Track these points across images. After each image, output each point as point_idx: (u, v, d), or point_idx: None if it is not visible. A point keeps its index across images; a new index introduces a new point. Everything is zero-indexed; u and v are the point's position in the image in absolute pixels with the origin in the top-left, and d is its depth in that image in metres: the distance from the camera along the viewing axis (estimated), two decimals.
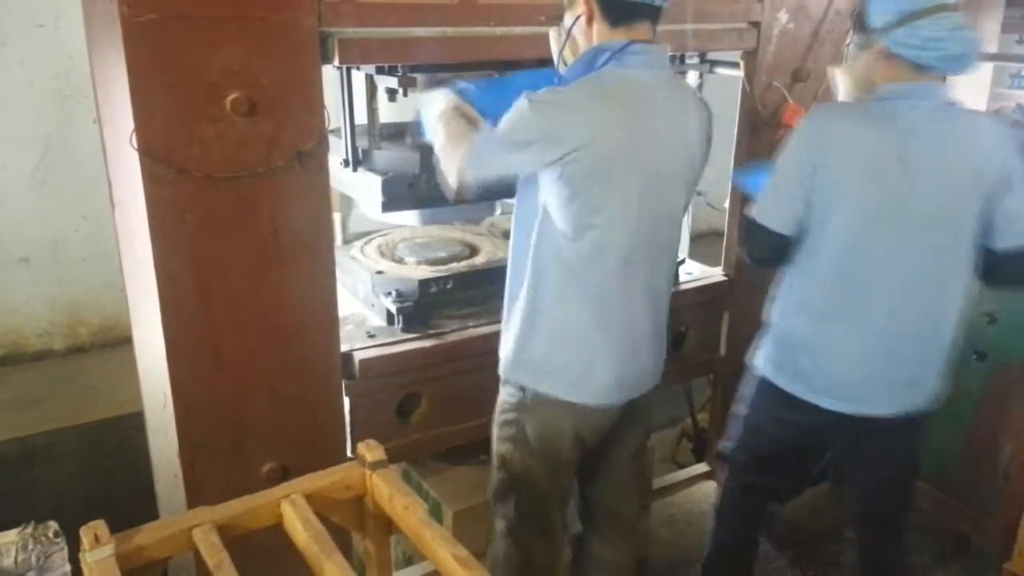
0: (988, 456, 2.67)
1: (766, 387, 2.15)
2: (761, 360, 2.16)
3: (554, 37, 1.93)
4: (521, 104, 1.75)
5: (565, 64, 1.88)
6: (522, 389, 1.94)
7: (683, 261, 2.86)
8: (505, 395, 2.00)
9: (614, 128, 1.76)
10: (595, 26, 1.80)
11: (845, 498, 2.37)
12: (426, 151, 2.21)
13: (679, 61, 2.60)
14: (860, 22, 1.96)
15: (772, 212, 1.99)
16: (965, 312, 2.01)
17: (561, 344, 1.89)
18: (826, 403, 2.04)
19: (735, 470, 2.37)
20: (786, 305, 2.10)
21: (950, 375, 2.05)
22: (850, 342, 2.00)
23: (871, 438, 2.11)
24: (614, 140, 1.76)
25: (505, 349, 1.98)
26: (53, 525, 1.29)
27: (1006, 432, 2.61)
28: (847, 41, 2.08)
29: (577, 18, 1.81)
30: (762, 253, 2.06)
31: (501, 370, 2.00)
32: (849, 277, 1.97)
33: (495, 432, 2.04)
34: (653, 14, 1.81)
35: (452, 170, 1.87)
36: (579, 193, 1.77)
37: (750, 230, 2.03)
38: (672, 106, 1.87)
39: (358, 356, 2.20)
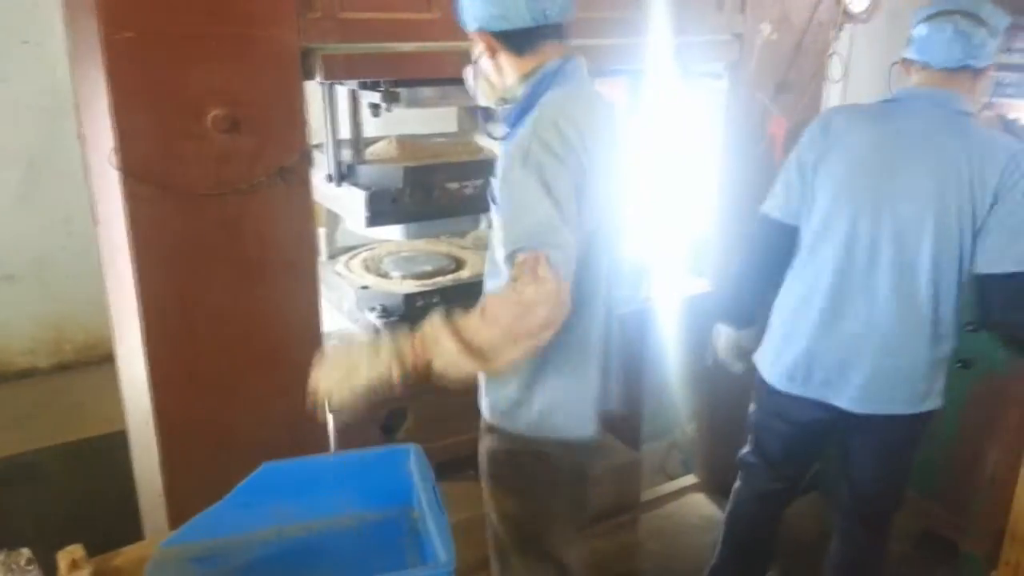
0: (974, 463, 2.67)
1: (765, 385, 2.26)
2: (761, 359, 2.28)
3: (469, 79, 1.85)
4: (544, 170, 1.56)
5: (486, 98, 1.82)
6: (521, 435, 1.80)
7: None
8: (497, 443, 1.86)
9: (598, 147, 1.68)
10: (502, 58, 1.73)
11: (837, 492, 2.42)
12: (409, 168, 2.22)
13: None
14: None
15: (773, 198, 2.13)
16: (953, 312, 2.05)
17: (570, 380, 1.77)
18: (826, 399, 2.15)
19: (749, 476, 2.44)
20: (786, 304, 2.19)
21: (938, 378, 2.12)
22: (846, 340, 2.07)
23: (870, 435, 2.19)
24: (598, 156, 1.68)
25: (497, 393, 1.82)
26: (26, 552, 1.27)
27: (992, 439, 2.62)
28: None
29: (481, 55, 1.75)
30: (764, 240, 2.16)
31: (488, 416, 1.85)
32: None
33: (491, 486, 1.90)
34: (557, 33, 1.74)
35: (534, 328, 1.52)
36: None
37: (755, 223, 2.16)
38: (610, 112, 1.80)
39: None
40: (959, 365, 2.62)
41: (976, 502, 2.68)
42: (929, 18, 2.04)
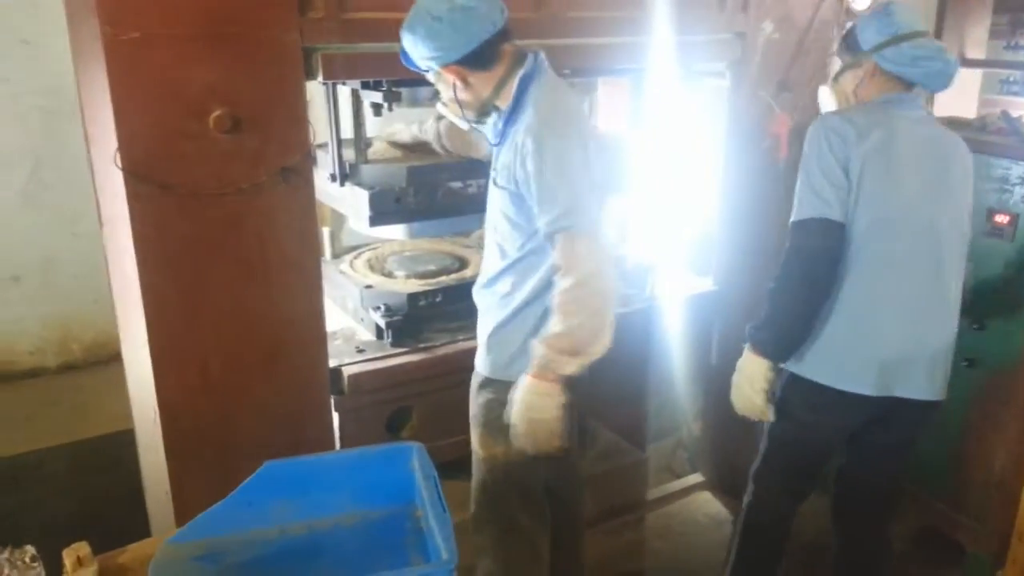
0: (980, 463, 2.66)
1: (813, 390, 2.11)
2: (824, 369, 2.11)
3: (446, 112, 1.98)
4: (560, 152, 1.77)
5: (474, 113, 1.92)
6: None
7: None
8: (494, 394, 1.99)
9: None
10: (473, 79, 1.85)
11: (847, 494, 2.38)
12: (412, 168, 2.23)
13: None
14: (850, 45, 2.15)
15: (823, 203, 1.98)
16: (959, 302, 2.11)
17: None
18: (876, 391, 2.05)
19: (769, 493, 2.33)
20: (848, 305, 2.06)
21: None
22: (916, 330, 2.06)
23: (908, 426, 2.18)
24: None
25: (500, 349, 1.97)
26: (30, 549, 1.28)
27: (998, 438, 2.60)
28: (837, 64, 2.23)
29: (454, 85, 1.86)
30: (824, 243, 1.99)
31: (488, 371, 2.00)
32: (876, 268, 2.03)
33: (482, 432, 2.04)
34: (508, 35, 1.85)
35: (606, 293, 1.81)
36: None
37: (804, 233, 2.00)
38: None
39: (347, 371, 2.20)
40: (965, 364, 2.61)
41: (982, 501, 2.67)
42: (908, 37, 2.05)
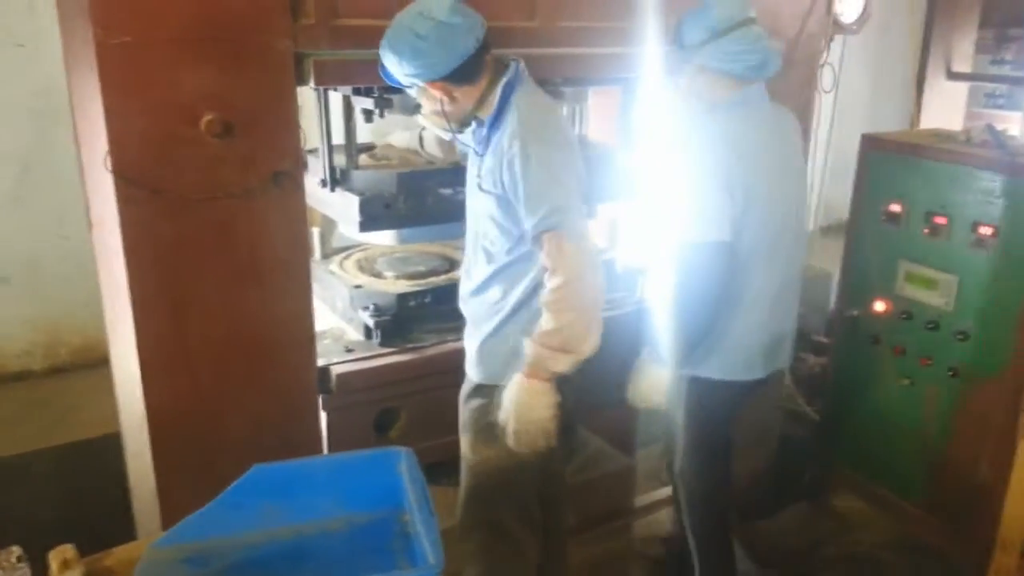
0: (964, 471, 2.68)
1: (719, 386, 2.26)
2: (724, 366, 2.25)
3: (428, 124, 2.00)
4: (545, 155, 1.81)
5: (457, 125, 1.95)
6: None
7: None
8: (486, 399, 2.01)
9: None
10: (459, 94, 1.88)
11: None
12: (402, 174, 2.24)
13: None
14: (677, 42, 2.15)
15: (721, 225, 2.05)
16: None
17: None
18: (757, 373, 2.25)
19: (715, 488, 2.42)
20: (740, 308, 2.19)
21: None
22: (785, 311, 2.28)
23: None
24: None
25: (492, 357, 1.99)
26: (16, 550, 1.28)
27: (980, 447, 2.63)
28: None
29: (440, 101, 1.88)
30: (728, 264, 2.08)
31: (481, 379, 2.02)
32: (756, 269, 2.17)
33: (472, 438, 2.05)
34: (489, 47, 1.87)
35: (595, 293, 1.85)
36: None
37: (709, 256, 2.06)
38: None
39: (335, 371, 2.21)
40: (949, 374, 2.64)
41: (964, 510, 2.69)
42: (726, 32, 2.04)
